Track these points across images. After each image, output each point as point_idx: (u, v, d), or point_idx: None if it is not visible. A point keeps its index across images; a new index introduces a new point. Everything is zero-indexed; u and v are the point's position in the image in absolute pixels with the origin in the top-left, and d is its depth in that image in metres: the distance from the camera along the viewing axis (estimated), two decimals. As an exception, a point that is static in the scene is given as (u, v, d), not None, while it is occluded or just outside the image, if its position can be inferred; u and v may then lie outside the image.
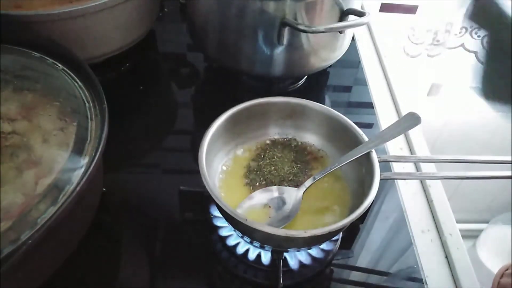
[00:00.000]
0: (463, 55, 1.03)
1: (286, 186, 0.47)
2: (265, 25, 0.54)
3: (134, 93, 0.66)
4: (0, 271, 0.28)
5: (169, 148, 0.61)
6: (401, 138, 0.63)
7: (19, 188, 0.34)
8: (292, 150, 0.52)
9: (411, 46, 1.00)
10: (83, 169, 0.36)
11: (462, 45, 1.06)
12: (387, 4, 0.94)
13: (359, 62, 0.76)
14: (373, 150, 0.45)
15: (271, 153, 0.51)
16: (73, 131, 0.39)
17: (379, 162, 0.44)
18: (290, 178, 0.49)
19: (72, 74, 0.44)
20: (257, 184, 0.48)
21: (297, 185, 0.48)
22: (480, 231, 1.18)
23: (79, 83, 0.43)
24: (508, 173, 0.43)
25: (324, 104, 0.51)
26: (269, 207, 0.45)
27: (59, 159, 0.36)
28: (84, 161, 0.37)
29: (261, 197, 0.46)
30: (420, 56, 1.04)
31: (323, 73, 0.72)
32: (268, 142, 0.53)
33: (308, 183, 0.46)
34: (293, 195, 0.46)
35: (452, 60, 1.01)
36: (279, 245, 0.43)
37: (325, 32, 0.54)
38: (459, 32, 1.03)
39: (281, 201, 0.46)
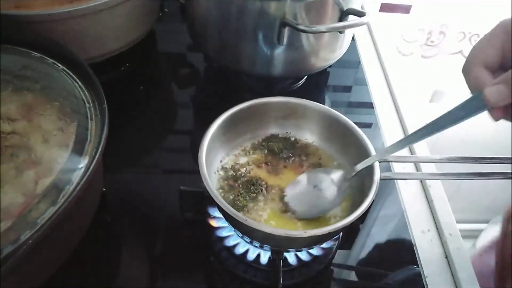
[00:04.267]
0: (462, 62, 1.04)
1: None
2: (265, 25, 0.54)
3: (134, 93, 0.66)
4: (0, 271, 0.28)
5: (169, 148, 0.61)
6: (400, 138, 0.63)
7: (19, 188, 0.34)
8: (290, 145, 0.52)
9: (404, 44, 1.00)
10: (83, 169, 0.36)
11: (461, 52, 1.05)
12: (387, 4, 0.94)
13: (359, 62, 0.76)
14: (372, 150, 0.46)
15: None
16: (73, 131, 0.39)
17: (379, 162, 0.44)
18: None
19: (72, 74, 0.44)
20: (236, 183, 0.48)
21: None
22: (480, 231, 1.18)
23: (79, 83, 0.43)
24: (508, 173, 0.43)
25: (324, 104, 0.51)
26: (318, 188, 0.46)
27: (59, 159, 0.36)
28: (84, 161, 0.37)
29: (307, 177, 0.47)
30: (413, 55, 1.04)
31: (323, 73, 0.72)
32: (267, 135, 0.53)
33: (359, 167, 0.45)
34: (339, 177, 0.46)
35: (452, 66, 1.01)
36: (278, 245, 0.43)
37: (325, 32, 0.54)
38: (457, 37, 1.03)
39: (327, 182, 0.46)
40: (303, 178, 0.47)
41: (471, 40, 1.02)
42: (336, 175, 0.46)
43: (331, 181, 0.46)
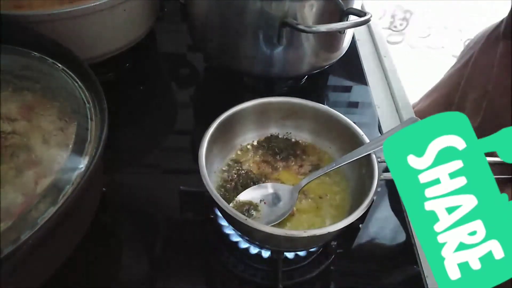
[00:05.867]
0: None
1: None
2: (265, 25, 0.54)
3: (134, 93, 0.66)
4: (0, 271, 0.28)
5: (169, 148, 0.61)
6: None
7: (19, 188, 0.34)
8: (289, 147, 0.52)
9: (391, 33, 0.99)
10: (83, 169, 0.36)
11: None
12: None
13: (359, 62, 0.76)
14: (372, 152, 0.46)
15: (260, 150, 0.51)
16: (73, 131, 0.39)
17: (379, 162, 0.44)
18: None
19: (72, 74, 0.44)
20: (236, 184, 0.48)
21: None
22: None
23: (79, 83, 0.43)
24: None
25: (324, 104, 0.51)
26: (264, 203, 0.45)
27: (59, 159, 0.36)
28: (84, 161, 0.37)
29: (256, 192, 0.46)
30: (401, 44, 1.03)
31: (323, 73, 0.72)
32: (267, 135, 0.53)
33: (304, 182, 0.46)
34: (288, 192, 0.46)
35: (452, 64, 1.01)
36: (278, 246, 0.43)
37: (325, 32, 0.54)
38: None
39: (276, 198, 0.46)
40: (256, 192, 0.47)
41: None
42: (285, 189, 0.46)
43: (280, 196, 0.46)
